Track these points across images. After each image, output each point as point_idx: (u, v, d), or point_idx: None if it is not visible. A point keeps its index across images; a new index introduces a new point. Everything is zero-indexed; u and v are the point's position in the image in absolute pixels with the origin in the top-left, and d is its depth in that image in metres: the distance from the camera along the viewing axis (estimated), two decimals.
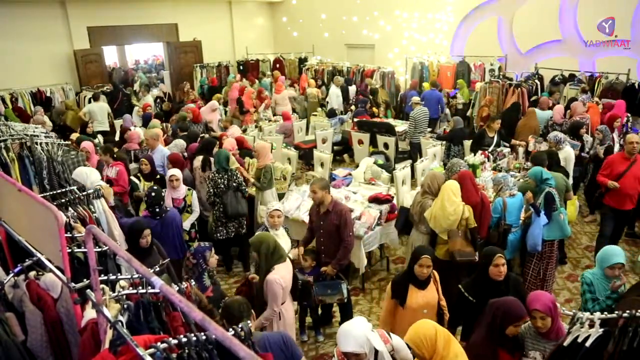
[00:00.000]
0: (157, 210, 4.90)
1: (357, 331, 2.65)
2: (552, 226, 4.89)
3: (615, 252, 3.63)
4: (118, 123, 10.18)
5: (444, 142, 8.17)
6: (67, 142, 6.40)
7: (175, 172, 5.53)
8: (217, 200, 5.79)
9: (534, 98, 9.51)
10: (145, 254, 4.17)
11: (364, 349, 2.62)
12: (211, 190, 5.80)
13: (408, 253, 5.30)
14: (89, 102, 10.84)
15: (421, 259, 3.47)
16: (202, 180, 6.31)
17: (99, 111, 10.17)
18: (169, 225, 4.94)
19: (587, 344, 2.59)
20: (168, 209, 5.07)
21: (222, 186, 5.73)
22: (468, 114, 10.65)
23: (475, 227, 4.59)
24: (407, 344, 2.64)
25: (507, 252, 4.93)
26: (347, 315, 4.83)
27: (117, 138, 9.00)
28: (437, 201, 4.64)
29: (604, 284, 3.62)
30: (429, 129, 9.29)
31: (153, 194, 4.88)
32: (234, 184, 5.77)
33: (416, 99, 9.55)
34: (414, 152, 8.88)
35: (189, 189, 5.66)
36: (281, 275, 3.71)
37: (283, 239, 4.44)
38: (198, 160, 6.41)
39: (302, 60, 14.84)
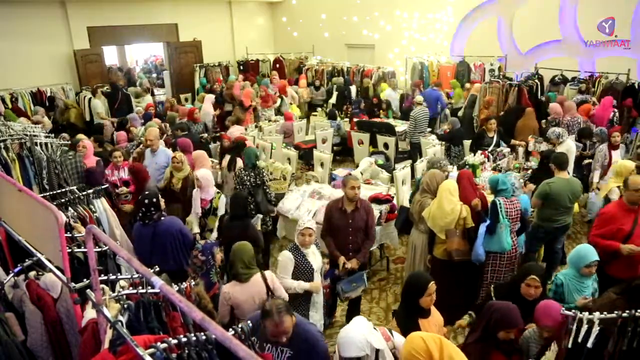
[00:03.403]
0: (148, 215, 4.37)
1: (357, 336, 2.64)
2: (493, 238, 4.57)
3: (590, 250, 3.62)
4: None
5: (444, 142, 8.17)
6: (66, 142, 6.41)
7: (201, 172, 5.36)
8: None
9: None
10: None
11: (365, 351, 2.63)
12: (238, 187, 5.77)
13: (408, 253, 5.31)
14: (89, 101, 10.89)
15: (429, 288, 3.11)
16: (227, 180, 6.43)
17: (93, 107, 10.60)
18: (162, 234, 4.38)
19: (589, 344, 2.59)
20: (163, 218, 4.50)
21: (248, 183, 5.67)
22: (459, 114, 10.54)
23: (472, 227, 4.59)
24: None
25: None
26: (355, 308, 4.87)
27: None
28: (435, 200, 4.65)
29: (576, 284, 3.62)
30: (428, 129, 9.29)
31: (146, 200, 4.37)
32: (259, 182, 5.69)
33: (419, 98, 9.53)
34: (414, 152, 8.88)
35: (217, 192, 5.39)
36: (232, 292, 3.54)
37: (312, 257, 4.08)
38: (226, 160, 6.51)
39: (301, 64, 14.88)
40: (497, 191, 4.69)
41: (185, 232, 4.53)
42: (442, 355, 2.36)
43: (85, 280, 2.41)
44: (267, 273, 3.68)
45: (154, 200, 4.39)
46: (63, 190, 4.58)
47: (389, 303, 5.49)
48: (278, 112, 11.31)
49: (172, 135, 7.91)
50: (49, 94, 11.23)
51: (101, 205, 4.67)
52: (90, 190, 4.60)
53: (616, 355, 2.56)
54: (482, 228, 4.56)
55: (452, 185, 4.64)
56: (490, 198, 5.19)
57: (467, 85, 10.97)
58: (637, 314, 2.60)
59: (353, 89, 12.33)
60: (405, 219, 5.33)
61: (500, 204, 4.54)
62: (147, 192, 4.55)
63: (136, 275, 2.50)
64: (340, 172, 7.14)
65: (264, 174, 5.78)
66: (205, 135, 8.96)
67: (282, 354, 2.83)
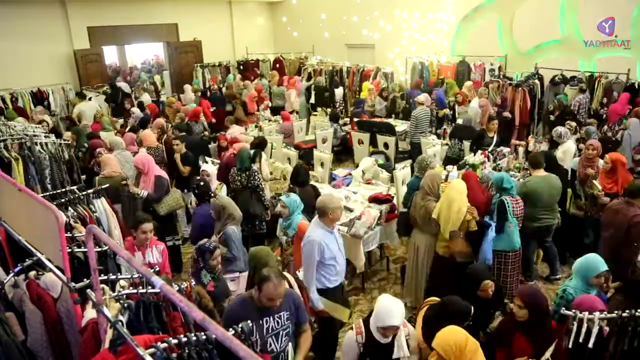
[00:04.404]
0: (206, 199, 5.12)
1: (400, 307, 2.95)
2: (502, 237, 4.64)
3: (598, 260, 3.50)
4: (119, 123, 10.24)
5: (442, 142, 8.18)
6: (67, 141, 6.39)
7: (207, 167, 5.84)
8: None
9: None
10: None
11: (400, 323, 2.93)
12: (231, 186, 5.88)
13: (410, 255, 5.25)
14: (89, 100, 10.91)
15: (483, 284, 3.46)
16: None
17: (88, 111, 10.31)
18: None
19: (590, 344, 2.59)
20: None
21: (239, 183, 5.74)
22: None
23: (476, 231, 4.57)
24: (433, 348, 2.70)
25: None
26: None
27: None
28: (444, 201, 4.60)
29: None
30: (429, 129, 9.27)
31: (202, 183, 5.27)
32: (251, 184, 5.73)
33: (420, 98, 9.46)
34: (415, 152, 8.78)
35: (220, 184, 5.82)
36: None
37: None
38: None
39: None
40: (502, 189, 4.71)
41: None
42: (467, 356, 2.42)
43: (85, 280, 2.41)
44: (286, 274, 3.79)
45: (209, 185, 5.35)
46: (63, 190, 4.58)
47: None
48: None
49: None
50: (50, 94, 11.25)
51: (101, 205, 4.67)
52: (90, 190, 4.60)
53: (617, 355, 2.56)
54: (492, 233, 4.57)
55: (462, 185, 4.65)
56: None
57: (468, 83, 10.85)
58: (637, 313, 2.60)
59: (339, 91, 12.27)
60: (406, 225, 5.26)
61: (508, 203, 4.57)
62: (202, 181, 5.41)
63: (136, 275, 2.50)
64: (340, 172, 7.14)
65: (257, 177, 5.78)
66: (206, 133, 8.97)
67: (280, 319, 3.03)
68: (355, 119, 10.19)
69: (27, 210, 2.58)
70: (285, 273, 3.86)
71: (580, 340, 2.62)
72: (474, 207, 4.61)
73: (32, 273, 2.73)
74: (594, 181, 5.30)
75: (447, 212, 4.54)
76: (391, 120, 10.25)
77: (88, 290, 2.19)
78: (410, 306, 5.20)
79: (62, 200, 4.23)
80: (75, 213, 4.18)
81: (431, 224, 4.70)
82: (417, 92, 10.75)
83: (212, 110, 10.75)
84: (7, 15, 10.72)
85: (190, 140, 7.58)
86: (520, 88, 9.54)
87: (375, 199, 5.90)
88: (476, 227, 4.56)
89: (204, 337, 1.81)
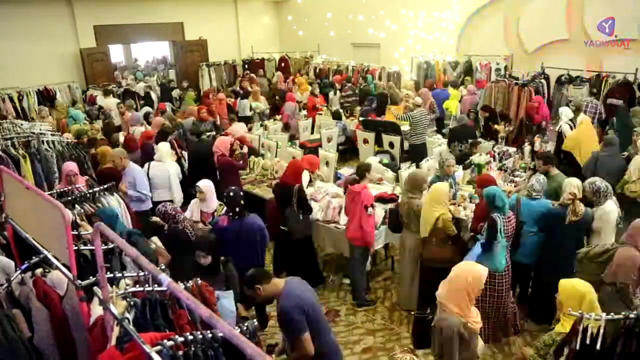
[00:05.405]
0: (237, 210, 4.51)
1: None
2: (487, 256, 4.10)
3: None
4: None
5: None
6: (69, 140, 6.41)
7: (203, 183, 5.15)
8: None
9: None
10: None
11: None
12: None
13: (403, 255, 5.20)
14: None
15: None
16: None
17: (113, 105, 10.43)
18: (248, 228, 4.53)
19: (597, 346, 2.57)
20: (248, 214, 4.60)
21: None
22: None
23: (456, 235, 4.55)
24: None
25: (523, 256, 4.62)
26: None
27: None
28: (425, 204, 4.66)
29: None
30: (433, 129, 9.23)
31: (231, 193, 4.49)
32: None
33: (418, 100, 9.34)
34: (414, 155, 8.23)
35: (220, 204, 5.21)
36: None
37: None
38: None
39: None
40: (494, 206, 4.18)
41: (265, 234, 4.65)
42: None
43: (91, 277, 2.42)
44: None
45: (241, 196, 4.54)
46: (69, 187, 4.59)
47: (393, 302, 5.48)
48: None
49: (185, 139, 7.89)
50: (57, 93, 11.31)
51: (114, 201, 4.65)
52: (97, 188, 4.60)
53: (625, 357, 2.54)
54: (477, 248, 4.25)
55: (438, 188, 4.62)
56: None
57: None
58: None
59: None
60: (396, 221, 5.18)
61: (498, 221, 4.09)
62: (233, 188, 4.62)
63: (142, 273, 2.50)
64: (345, 171, 7.13)
65: None
66: (213, 133, 8.95)
67: None
68: (361, 118, 10.14)
69: (34, 208, 2.59)
70: None
71: (587, 342, 2.60)
72: (447, 211, 4.56)
73: (39, 270, 2.74)
74: None
75: (423, 214, 4.60)
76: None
77: (95, 288, 2.20)
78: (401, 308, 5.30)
79: (69, 198, 4.24)
80: (82, 211, 4.19)
81: (415, 220, 4.75)
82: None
83: None
84: (14, 14, 10.80)
85: (195, 147, 7.48)
86: (526, 88, 9.49)
87: (380, 199, 5.89)
88: (454, 231, 4.50)
89: (210, 335, 1.81)
